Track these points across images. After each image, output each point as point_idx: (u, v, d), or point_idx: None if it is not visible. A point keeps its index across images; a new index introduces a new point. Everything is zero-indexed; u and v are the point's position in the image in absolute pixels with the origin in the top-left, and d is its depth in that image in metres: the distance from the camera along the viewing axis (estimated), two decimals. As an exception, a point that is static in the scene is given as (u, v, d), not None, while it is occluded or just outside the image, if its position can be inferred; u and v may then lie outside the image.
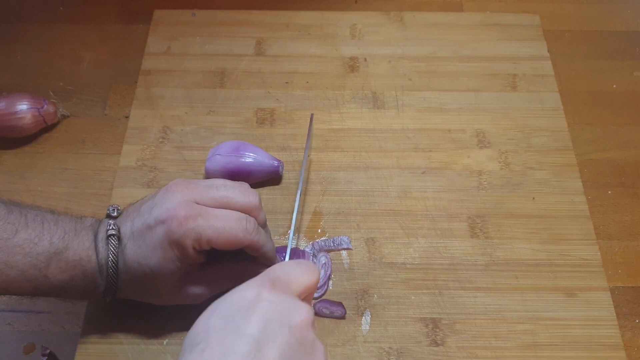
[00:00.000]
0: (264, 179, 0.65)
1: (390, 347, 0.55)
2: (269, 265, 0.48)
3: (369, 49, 0.77)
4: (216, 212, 0.50)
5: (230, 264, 0.54)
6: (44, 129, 0.69)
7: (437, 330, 0.56)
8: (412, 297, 0.58)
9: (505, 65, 0.75)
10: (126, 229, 0.51)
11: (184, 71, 0.74)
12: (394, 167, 0.67)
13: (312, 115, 0.65)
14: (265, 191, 0.64)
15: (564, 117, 0.71)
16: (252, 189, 0.54)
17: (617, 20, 0.81)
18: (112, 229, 0.50)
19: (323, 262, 0.60)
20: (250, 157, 0.64)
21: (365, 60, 0.76)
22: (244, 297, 0.40)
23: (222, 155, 0.64)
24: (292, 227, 0.57)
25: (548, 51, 0.76)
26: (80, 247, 0.49)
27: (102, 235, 0.51)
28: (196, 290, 0.53)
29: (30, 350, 0.56)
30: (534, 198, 0.65)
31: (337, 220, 0.63)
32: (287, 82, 0.74)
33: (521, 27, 0.79)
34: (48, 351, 0.55)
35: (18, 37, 0.78)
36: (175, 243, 0.49)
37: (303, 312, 0.40)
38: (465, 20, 0.80)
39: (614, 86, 0.74)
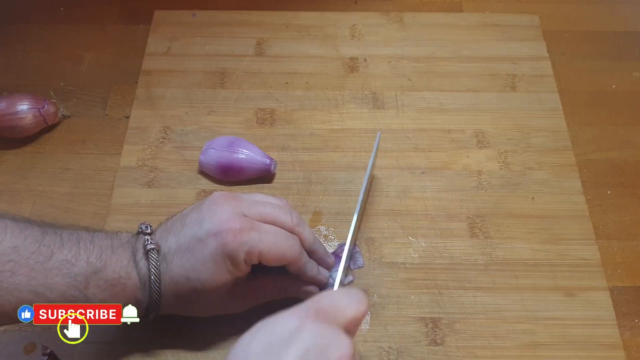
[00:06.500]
0: (256, 175, 0.65)
1: (390, 347, 0.56)
2: (311, 282, 0.53)
3: (369, 50, 0.77)
4: (267, 227, 0.50)
5: (274, 277, 0.54)
6: (45, 129, 0.69)
7: (437, 329, 0.57)
8: (412, 297, 0.58)
9: (505, 65, 0.75)
10: (171, 243, 0.50)
11: (185, 71, 0.74)
12: (394, 167, 0.67)
13: (379, 133, 0.63)
14: (254, 188, 0.65)
15: (563, 117, 0.71)
16: (291, 208, 0.54)
17: (616, 20, 0.81)
18: (150, 243, 0.50)
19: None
20: (243, 154, 0.64)
21: (365, 60, 0.76)
22: (286, 325, 0.39)
23: (216, 150, 0.64)
24: (346, 250, 0.55)
25: (547, 51, 0.77)
26: (118, 265, 0.48)
27: (141, 250, 0.50)
28: (240, 302, 0.53)
29: (30, 350, 0.56)
30: (533, 198, 0.65)
31: (337, 220, 0.63)
32: (287, 83, 0.74)
33: (520, 28, 0.79)
34: (49, 351, 0.55)
35: (19, 38, 0.78)
36: (229, 255, 0.49)
37: (342, 346, 0.38)
38: (465, 20, 0.80)
39: (613, 86, 0.75)
